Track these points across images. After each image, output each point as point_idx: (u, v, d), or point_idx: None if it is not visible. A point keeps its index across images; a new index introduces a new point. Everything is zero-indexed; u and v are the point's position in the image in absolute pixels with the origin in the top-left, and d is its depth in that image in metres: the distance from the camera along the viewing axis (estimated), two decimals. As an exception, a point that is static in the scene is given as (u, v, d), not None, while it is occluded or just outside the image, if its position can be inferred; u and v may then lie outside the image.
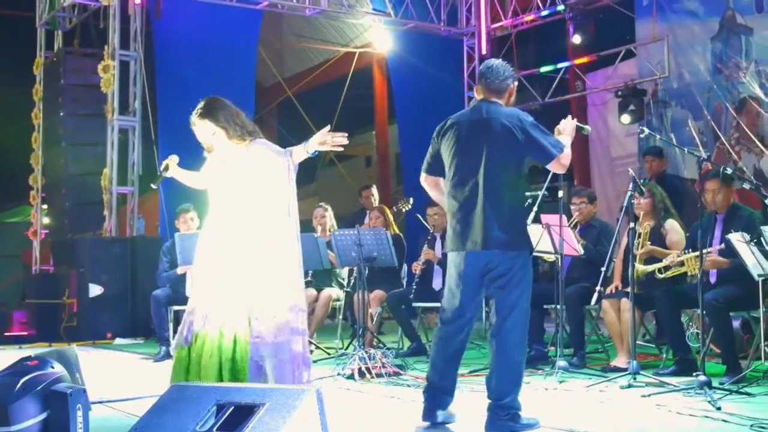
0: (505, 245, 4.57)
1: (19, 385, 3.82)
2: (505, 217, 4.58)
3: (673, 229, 6.83)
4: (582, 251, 6.97)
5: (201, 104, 4.95)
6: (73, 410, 3.83)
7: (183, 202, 8.86)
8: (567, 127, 4.81)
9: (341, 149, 4.93)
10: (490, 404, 4.60)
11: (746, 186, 6.32)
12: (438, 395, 4.73)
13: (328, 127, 4.89)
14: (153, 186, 5.70)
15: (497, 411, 4.57)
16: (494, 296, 4.65)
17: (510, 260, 4.58)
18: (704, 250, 5.85)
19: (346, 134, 4.85)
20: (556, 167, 4.66)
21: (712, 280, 6.45)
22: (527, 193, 7.60)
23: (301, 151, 4.87)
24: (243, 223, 4.80)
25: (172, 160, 5.23)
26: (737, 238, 5.82)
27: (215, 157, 5.03)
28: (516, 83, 4.85)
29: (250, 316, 4.69)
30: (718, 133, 11.11)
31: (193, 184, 5.26)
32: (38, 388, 3.85)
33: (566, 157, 4.63)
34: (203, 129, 4.93)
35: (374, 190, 10.26)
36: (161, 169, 5.25)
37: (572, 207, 7.51)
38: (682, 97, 11.65)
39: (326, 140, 4.84)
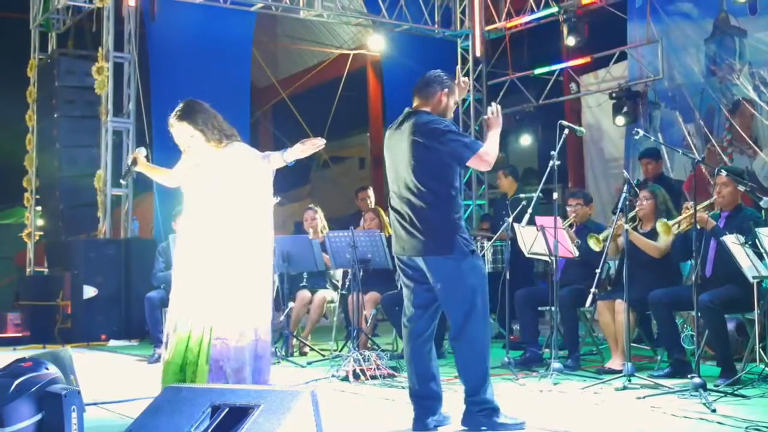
0: (433, 252, 4.65)
1: (13, 387, 3.81)
2: (429, 225, 4.64)
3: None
4: (577, 252, 6.96)
5: (179, 107, 4.97)
6: (68, 411, 3.82)
7: (177, 204, 8.78)
8: (492, 120, 4.82)
9: (322, 147, 4.94)
10: (464, 400, 4.67)
11: (741, 188, 6.32)
12: (422, 403, 4.74)
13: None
14: (122, 182, 5.70)
15: (471, 407, 4.64)
16: (442, 303, 4.73)
17: (442, 266, 4.63)
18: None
19: (321, 137, 4.94)
20: (477, 165, 4.71)
21: (708, 273, 6.44)
22: (521, 195, 7.65)
23: (279, 159, 4.90)
24: (218, 227, 4.80)
25: (140, 153, 5.24)
26: (732, 240, 5.82)
27: (189, 158, 5.02)
28: (447, 90, 4.84)
29: (215, 320, 4.70)
30: (709, 135, 11.12)
31: (162, 180, 5.27)
32: (33, 389, 3.84)
33: (487, 153, 4.65)
34: (181, 131, 4.94)
35: (370, 191, 10.27)
36: (129, 163, 5.26)
37: (568, 208, 7.51)
38: (673, 98, 11.65)
39: (305, 147, 4.87)
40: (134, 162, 5.20)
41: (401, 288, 8.35)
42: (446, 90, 4.83)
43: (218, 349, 4.69)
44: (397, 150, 4.77)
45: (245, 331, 4.74)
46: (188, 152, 5.01)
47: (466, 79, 5.06)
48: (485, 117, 4.87)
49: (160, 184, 5.47)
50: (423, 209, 4.65)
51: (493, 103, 4.95)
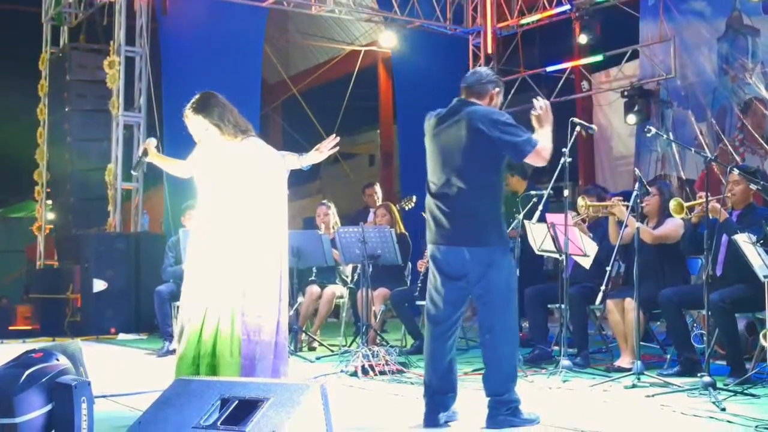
0: (480, 242, 4.58)
1: (24, 377, 3.81)
2: (479, 216, 4.59)
3: (671, 221, 6.78)
4: (594, 248, 6.88)
5: (195, 98, 4.93)
6: (78, 403, 3.82)
7: (187, 199, 8.83)
8: (543, 116, 4.75)
9: (337, 148, 4.92)
10: (489, 401, 4.61)
11: (753, 187, 6.29)
12: (436, 398, 4.70)
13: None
14: (133, 173, 5.68)
15: (497, 407, 4.58)
16: (479, 296, 4.65)
17: (487, 257, 4.58)
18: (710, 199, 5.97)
19: (332, 133, 4.92)
20: (535, 160, 4.64)
21: (718, 272, 6.42)
22: (533, 192, 7.63)
23: (295, 161, 4.90)
24: (233, 220, 4.78)
25: (150, 143, 5.20)
26: (743, 239, 5.79)
27: (203, 149, 5.01)
28: (498, 90, 4.85)
29: (234, 314, 4.68)
30: (721, 134, 11.08)
31: (174, 171, 5.23)
32: (43, 380, 3.84)
33: (544, 149, 4.60)
34: (196, 124, 4.91)
35: (377, 187, 10.27)
36: (140, 154, 5.24)
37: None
38: (686, 97, 11.62)
39: (322, 154, 4.88)
40: (145, 153, 5.18)
41: (410, 284, 8.48)
42: (498, 89, 4.84)
43: (245, 344, 4.69)
44: (447, 137, 4.69)
45: (265, 327, 4.74)
46: (202, 143, 5.00)
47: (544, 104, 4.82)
48: (534, 113, 4.76)
49: (171, 178, 5.46)
50: (473, 199, 4.58)
51: (539, 98, 4.85)
